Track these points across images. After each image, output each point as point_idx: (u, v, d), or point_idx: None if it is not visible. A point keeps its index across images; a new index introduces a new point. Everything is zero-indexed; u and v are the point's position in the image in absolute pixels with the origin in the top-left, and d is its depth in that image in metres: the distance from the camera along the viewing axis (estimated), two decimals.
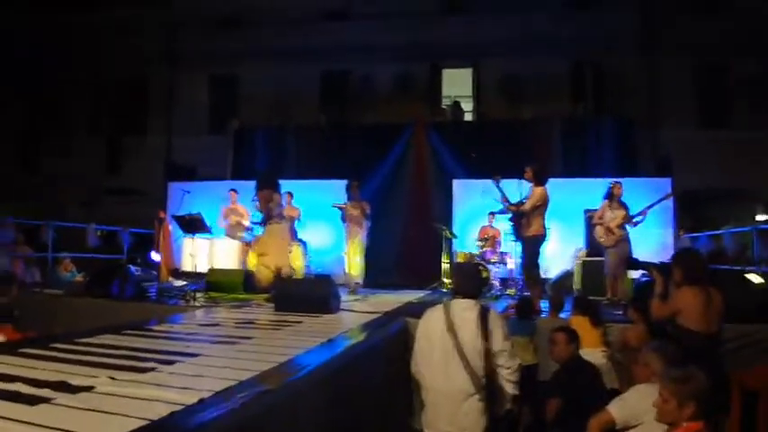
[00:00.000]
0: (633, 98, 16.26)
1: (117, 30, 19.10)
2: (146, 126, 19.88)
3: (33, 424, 2.37)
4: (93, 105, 19.80)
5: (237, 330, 5.53)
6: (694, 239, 12.55)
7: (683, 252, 5.60)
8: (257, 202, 9.32)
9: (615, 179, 9.56)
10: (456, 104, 16.91)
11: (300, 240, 11.43)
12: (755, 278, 7.25)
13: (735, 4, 16.06)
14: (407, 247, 13.19)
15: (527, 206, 7.97)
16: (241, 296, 9.03)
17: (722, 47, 15.95)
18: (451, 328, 3.92)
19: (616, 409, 3.62)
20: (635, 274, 9.68)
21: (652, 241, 11.48)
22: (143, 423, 2.40)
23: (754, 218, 16.58)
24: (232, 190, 11.75)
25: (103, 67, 19.36)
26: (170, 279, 10.36)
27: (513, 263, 10.56)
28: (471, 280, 4.32)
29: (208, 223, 8.94)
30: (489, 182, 8.57)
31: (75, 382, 3.11)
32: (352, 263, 11.10)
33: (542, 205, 7.97)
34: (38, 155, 19.89)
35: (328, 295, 6.96)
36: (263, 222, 9.32)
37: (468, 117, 17.41)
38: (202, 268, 10.31)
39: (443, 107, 17.61)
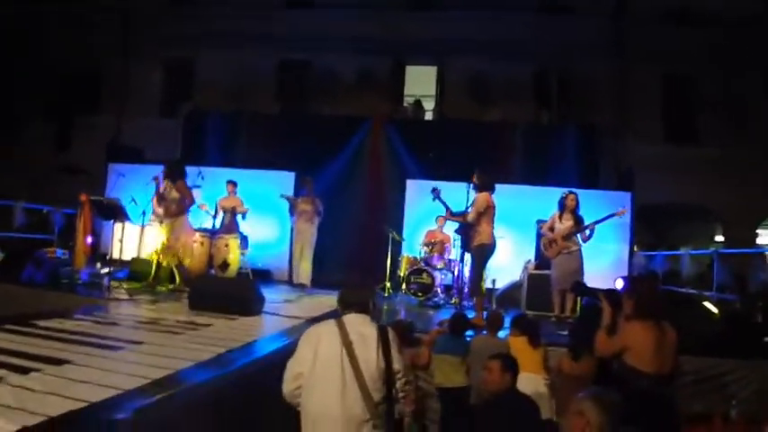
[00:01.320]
0: (599, 107, 15.84)
1: (72, 12, 18.19)
2: (98, 107, 18.99)
3: None
4: (47, 85, 18.81)
5: (131, 332, 4.91)
6: (650, 258, 12.17)
7: (636, 281, 4.98)
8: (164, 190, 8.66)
9: (570, 189, 9.08)
10: (417, 102, 16.38)
11: (240, 233, 10.78)
12: (712, 307, 6.81)
13: (706, 15, 15.73)
14: (357, 246, 12.64)
15: (471, 215, 7.46)
16: (164, 288, 8.36)
17: (692, 59, 15.62)
18: (349, 346, 3.36)
19: None
20: None
21: (606, 257, 11.08)
22: None
23: (712, 238, 16.35)
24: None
25: (57, 48, 18.41)
26: (97, 265, 9.61)
27: (459, 270, 10.00)
28: (363, 293, 3.74)
29: (127, 211, 8.21)
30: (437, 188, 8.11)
31: None
32: (301, 261, 10.64)
33: (486, 212, 7.46)
34: None
35: (249, 296, 6.34)
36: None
37: (429, 117, 16.86)
38: (131, 255, 9.65)
39: (405, 105, 17.02)
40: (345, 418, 3.25)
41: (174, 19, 18.03)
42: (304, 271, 10.61)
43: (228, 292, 6.39)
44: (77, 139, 18.45)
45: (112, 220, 8.33)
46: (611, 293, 4.40)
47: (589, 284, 8.94)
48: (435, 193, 7.94)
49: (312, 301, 8.96)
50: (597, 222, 8.69)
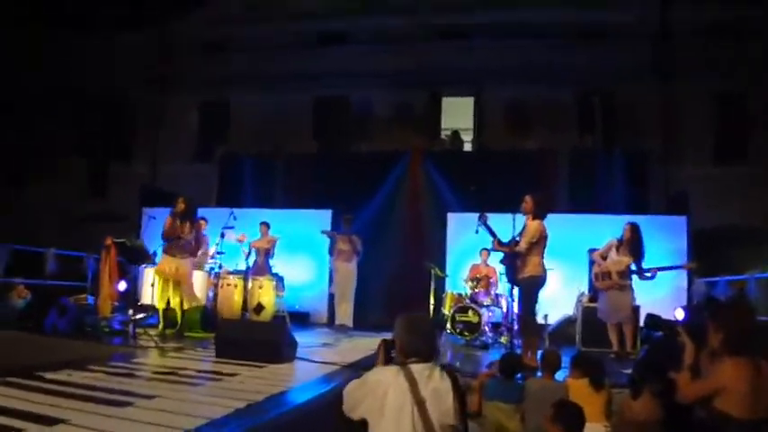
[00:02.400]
0: (645, 130, 15.16)
1: (107, 51, 18.25)
2: (131, 151, 19.00)
3: None
4: (80, 129, 18.87)
5: (145, 384, 4.45)
6: (712, 285, 11.34)
7: (725, 308, 4.18)
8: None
9: (630, 220, 8.39)
10: (455, 134, 15.97)
11: (275, 274, 10.36)
12: None
13: (751, 28, 15.05)
14: (398, 284, 12.14)
15: (522, 244, 6.86)
16: (196, 334, 7.94)
17: (739, 74, 14.86)
18: (421, 405, 2.82)
19: None
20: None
21: (663, 286, 10.25)
22: None
23: None
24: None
25: (92, 90, 18.47)
26: (129, 312, 9.22)
27: (508, 306, 9.37)
28: (428, 338, 3.20)
29: (151, 252, 7.84)
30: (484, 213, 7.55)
31: None
32: (342, 302, 10.35)
33: (539, 242, 6.86)
34: (21, 174, 18.92)
35: (280, 341, 5.84)
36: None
37: (468, 148, 16.40)
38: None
39: (442, 138, 16.59)
40: None
41: (209, 62, 17.96)
42: (345, 312, 10.32)
43: (257, 336, 5.89)
44: (112, 185, 18.42)
45: (138, 264, 7.94)
46: (693, 327, 3.73)
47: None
48: (482, 219, 7.35)
49: (352, 343, 8.47)
50: (663, 269, 8.04)
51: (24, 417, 3.22)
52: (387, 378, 2.96)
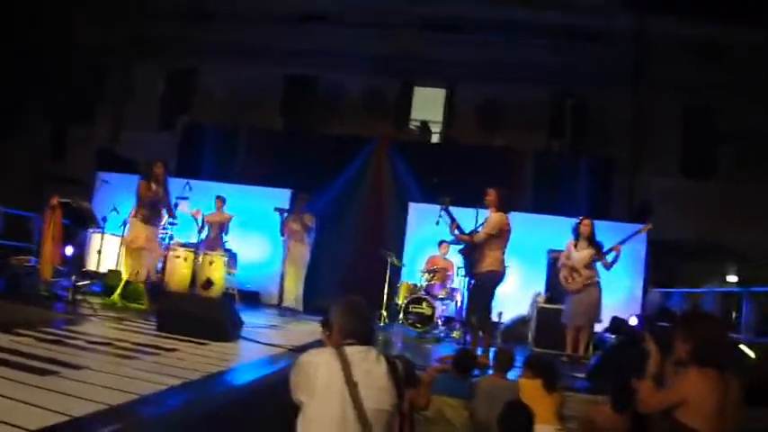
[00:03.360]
0: (615, 138, 15.25)
1: (80, 10, 17.65)
2: (95, 115, 18.45)
3: None
4: (46, 91, 18.21)
5: (76, 354, 4.14)
6: (667, 295, 11.40)
7: (695, 318, 3.98)
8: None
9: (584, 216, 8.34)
10: (424, 124, 15.81)
11: (228, 250, 10.08)
12: (748, 350, 6.01)
13: (728, 47, 15.19)
14: (354, 270, 11.92)
15: (481, 234, 6.70)
16: (140, 306, 7.59)
17: (711, 91, 15.01)
18: (353, 388, 2.68)
19: None
20: (598, 327, 8.51)
21: (619, 293, 10.27)
22: None
23: (724, 277, 15.57)
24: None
25: (63, 50, 17.82)
26: (72, 278, 8.85)
27: (462, 301, 9.24)
28: (365, 320, 3.09)
29: (98, 218, 7.50)
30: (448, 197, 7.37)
31: None
32: (291, 283, 10.09)
33: (501, 235, 6.71)
34: None
35: (224, 319, 5.58)
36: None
37: (435, 139, 16.27)
38: (108, 268, 8.94)
39: (411, 127, 16.41)
40: None
41: (184, 29, 17.40)
42: (293, 294, 10.06)
43: (201, 313, 5.62)
44: (73, 148, 17.86)
45: (83, 227, 7.57)
46: (660, 334, 3.60)
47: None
48: (445, 202, 7.17)
49: (300, 327, 8.25)
50: (624, 241, 7.92)
51: None
52: (319, 359, 2.83)
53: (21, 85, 17.63)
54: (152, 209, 7.86)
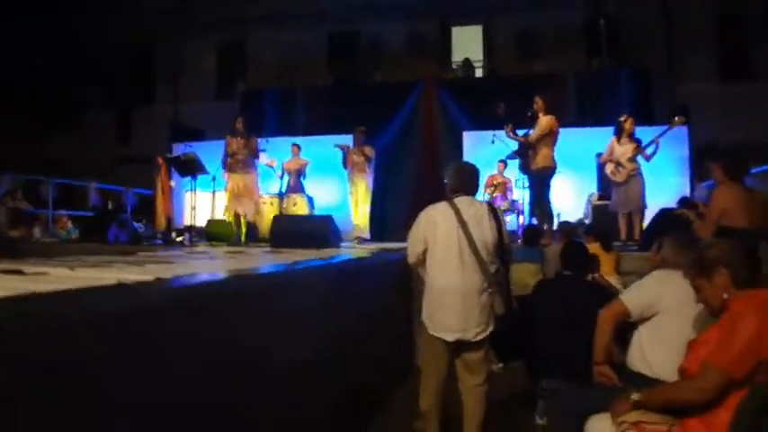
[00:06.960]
0: (650, 50, 15.70)
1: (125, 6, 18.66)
2: (154, 95, 19.67)
3: None
4: (104, 77, 19.38)
5: (226, 255, 5.25)
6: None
7: (723, 152, 5.41)
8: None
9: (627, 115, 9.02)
10: (466, 61, 16.45)
11: (306, 195, 11.10)
12: None
13: None
14: (416, 203, 12.74)
15: (533, 135, 7.60)
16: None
17: None
18: (464, 226, 3.73)
19: (631, 298, 3.31)
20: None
21: (668, 191, 10.98)
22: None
23: None
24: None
25: (111, 38, 18.90)
26: (172, 235, 10.02)
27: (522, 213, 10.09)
28: (473, 180, 4.10)
29: (203, 164, 8.55)
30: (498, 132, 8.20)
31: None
32: (357, 213, 10.75)
33: (550, 135, 7.60)
34: (50, 129, 19.49)
35: (327, 231, 6.66)
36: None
37: (478, 74, 16.97)
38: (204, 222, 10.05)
39: (453, 67, 17.12)
40: (466, 288, 3.68)
41: (225, 2, 18.35)
42: (360, 223, 10.68)
43: (308, 228, 6.71)
44: (136, 130, 19.14)
45: (191, 176, 8.54)
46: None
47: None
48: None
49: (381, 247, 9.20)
50: (661, 135, 8.55)
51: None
52: (437, 209, 3.89)
53: (78, 78, 18.77)
54: (242, 159, 8.91)
